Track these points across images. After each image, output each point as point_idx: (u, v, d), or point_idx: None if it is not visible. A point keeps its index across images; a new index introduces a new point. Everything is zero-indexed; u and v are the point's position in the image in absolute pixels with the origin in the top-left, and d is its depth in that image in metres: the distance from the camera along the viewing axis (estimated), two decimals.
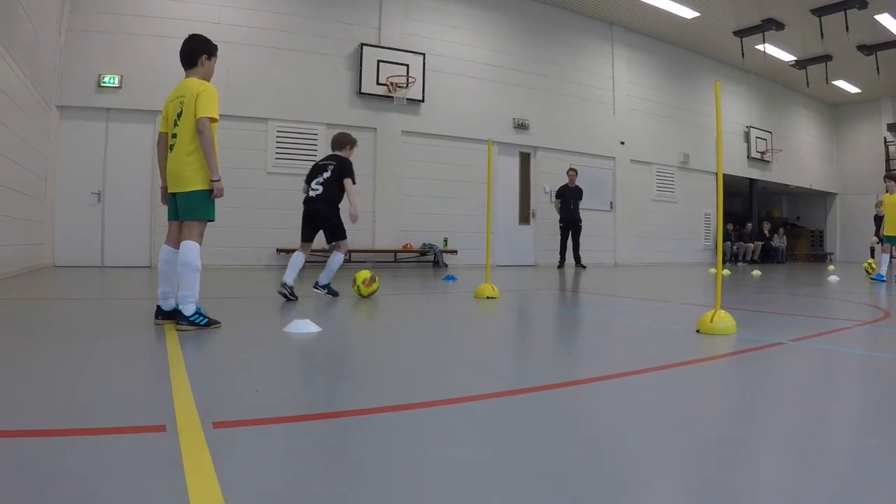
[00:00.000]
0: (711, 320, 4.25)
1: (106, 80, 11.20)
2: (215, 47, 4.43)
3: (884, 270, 11.10)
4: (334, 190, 6.59)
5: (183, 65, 4.35)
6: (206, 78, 4.34)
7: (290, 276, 6.37)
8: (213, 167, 4.13)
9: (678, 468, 1.79)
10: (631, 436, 2.07)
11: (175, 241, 4.32)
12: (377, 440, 1.95)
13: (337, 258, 6.63)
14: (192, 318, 4.10)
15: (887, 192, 11.38)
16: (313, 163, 7.10)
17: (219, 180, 4.17)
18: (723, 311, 4.30)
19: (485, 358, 3.69)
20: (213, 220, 4.32)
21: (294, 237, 12.74)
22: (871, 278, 11.24)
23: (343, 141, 6.89)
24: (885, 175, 11.76)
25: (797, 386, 2.96)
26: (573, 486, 1.58)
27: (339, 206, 6.68)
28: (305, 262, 6.69)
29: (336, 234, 6.63)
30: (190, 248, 4.13)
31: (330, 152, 6.94)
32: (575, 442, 1.98)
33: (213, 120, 4.12)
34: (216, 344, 3.79)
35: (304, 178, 6.90)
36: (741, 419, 2.32)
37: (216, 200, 4.26)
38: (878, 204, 13.87)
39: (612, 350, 4.06)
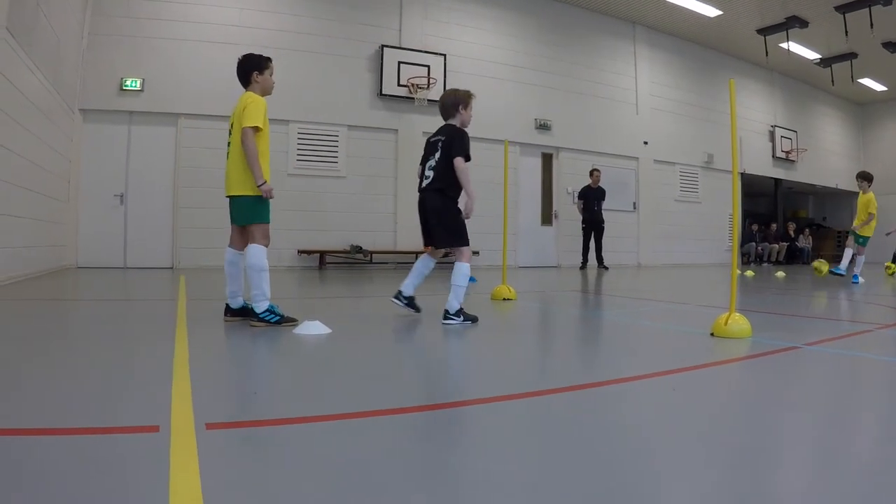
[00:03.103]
0: (726, 323, 4.17)
1: (128, 83, 11.34)
2: (266, 60, 4.66)
3: (844, 265, 11.33)
4: (447, 176, 4.92)
5: (241, 84, 4.64)
6: (265, 91, 4.65)
7: (407, 284, 5.31)
8: (257, 173, 4.39)
9: (688, 475, 1.75)
10: (641, 443, 2.03)
11: (237, 244, 4.70)
12: (375, 444, 1.93)
13: (460, 270, 4.97)
14: (262, 316, 4.43)
15: (860, 190, 11.38)
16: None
17: (263, 184, 4.41)
18: (737, 314, 4.21)
19: (492, 361, 3.66)
20: (268, 222, 4.59)
21: (315, 239, 12.89)
22: (831, 271, 11.12)
23: (452, 103, 5.07)
24: (857, 174, 11.68)
25: (809, 392, 2.89)
26: (586, 492, 1.56)
27: (460, 197, 5.09)
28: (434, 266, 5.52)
29: (451, 235, 5.08)
30: (253, 251, 4.50)
31: (442, 122, 5.19)
32: (585, 446, 1.95)
33: (256, 129, 4.37)
34: (224, 345, 3.82)
35: (421, 159, 5.27)
36: (744, 426, 2.26)
37: (270, 203, 4.55)
38: None
39: (622, 353, 4.01)
